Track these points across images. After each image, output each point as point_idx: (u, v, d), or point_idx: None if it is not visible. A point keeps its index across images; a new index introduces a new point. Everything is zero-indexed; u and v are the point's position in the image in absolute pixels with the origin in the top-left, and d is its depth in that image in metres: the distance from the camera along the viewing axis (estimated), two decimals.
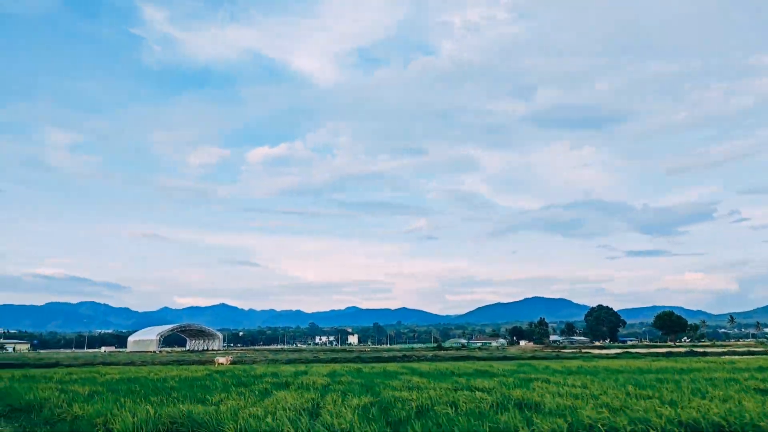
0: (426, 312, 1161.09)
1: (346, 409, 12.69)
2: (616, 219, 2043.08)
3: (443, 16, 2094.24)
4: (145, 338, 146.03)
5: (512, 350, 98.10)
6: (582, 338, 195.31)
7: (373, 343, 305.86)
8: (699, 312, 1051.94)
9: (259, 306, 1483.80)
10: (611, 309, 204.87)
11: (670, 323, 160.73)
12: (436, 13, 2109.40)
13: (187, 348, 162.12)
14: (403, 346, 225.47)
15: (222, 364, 37.13)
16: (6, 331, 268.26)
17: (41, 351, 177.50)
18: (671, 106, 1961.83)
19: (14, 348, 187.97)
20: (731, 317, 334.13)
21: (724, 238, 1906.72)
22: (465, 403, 13.92)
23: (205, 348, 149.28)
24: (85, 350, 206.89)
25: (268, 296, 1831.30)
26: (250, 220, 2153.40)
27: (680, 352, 73.95)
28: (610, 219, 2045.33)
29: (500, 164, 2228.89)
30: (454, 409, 13.12)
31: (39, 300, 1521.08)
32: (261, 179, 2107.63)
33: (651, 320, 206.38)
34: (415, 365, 38.09)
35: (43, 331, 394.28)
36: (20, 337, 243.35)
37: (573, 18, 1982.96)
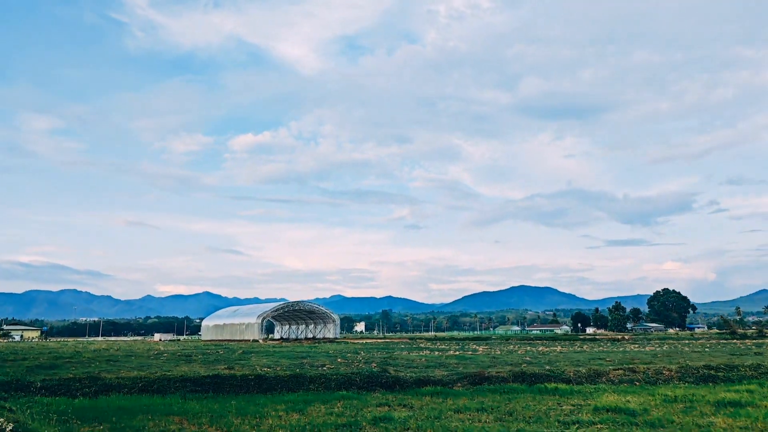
0: (412, 300, 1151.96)
1: None
2: (598, 209, 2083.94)
3: (428, 4, 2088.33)
4: (238, 322, 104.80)
5: None
6: (655, 325, 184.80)
7: (381, 332, 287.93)
8: None
9: (243, 294, 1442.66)
10: (679, 293, 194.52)
11: None
12: (420, 2, 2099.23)
13: (278, 335, 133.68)
14: (468, 333, 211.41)
15: None
16: (5, 318, 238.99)
17: (52, 339, 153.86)
18: (654, 97, 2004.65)
19: (22, 336, 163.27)
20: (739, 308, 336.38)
21: (704, 228, 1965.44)
22: None
23: (314, 335, 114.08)
24: (117, 338, 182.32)
25: (252, 284, 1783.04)
26: (234, 208, 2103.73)
27: None
28: (592, 209, 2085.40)
29: (485, 153, 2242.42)
30: None
31: (19, 288, 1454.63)
32: (245, 167, 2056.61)
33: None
34: None
35: (26, 318, 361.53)
36: (15, 323, 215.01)
37: (558, 7, 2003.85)
